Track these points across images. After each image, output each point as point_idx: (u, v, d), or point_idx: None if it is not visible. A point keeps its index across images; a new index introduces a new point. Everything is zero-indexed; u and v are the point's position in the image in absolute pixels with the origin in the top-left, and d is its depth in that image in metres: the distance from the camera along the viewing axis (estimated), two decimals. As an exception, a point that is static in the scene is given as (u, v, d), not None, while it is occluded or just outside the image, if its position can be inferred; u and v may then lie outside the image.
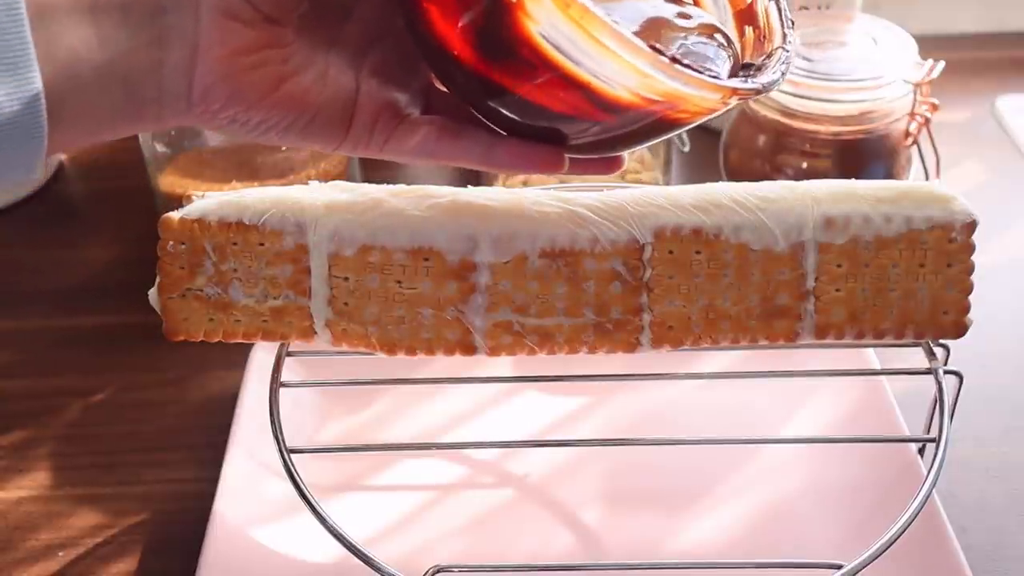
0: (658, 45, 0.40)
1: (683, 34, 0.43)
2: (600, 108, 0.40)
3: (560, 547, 0.55)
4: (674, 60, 0.38)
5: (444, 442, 0.61)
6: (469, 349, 0.51)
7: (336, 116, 0.44)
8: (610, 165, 0.45)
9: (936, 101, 0.65)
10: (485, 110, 0.43)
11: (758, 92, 0.41)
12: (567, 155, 0.44)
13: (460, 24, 0.40)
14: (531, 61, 0.39)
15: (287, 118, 0.43)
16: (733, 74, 0.43)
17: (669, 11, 0.44)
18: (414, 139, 0.45)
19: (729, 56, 0.43)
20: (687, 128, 0.43)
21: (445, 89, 0.44)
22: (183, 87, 0.41)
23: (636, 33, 0.39)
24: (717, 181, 0.52)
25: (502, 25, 0.38)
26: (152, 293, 0.51)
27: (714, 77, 0.39)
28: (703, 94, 0.39)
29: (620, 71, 0.38)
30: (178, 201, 0.51)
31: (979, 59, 0.97)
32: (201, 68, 0.40)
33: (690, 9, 0.45)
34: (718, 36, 0.44)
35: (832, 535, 0.55)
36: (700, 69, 0.39)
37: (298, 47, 0.42)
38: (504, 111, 0.42)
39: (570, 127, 0.42)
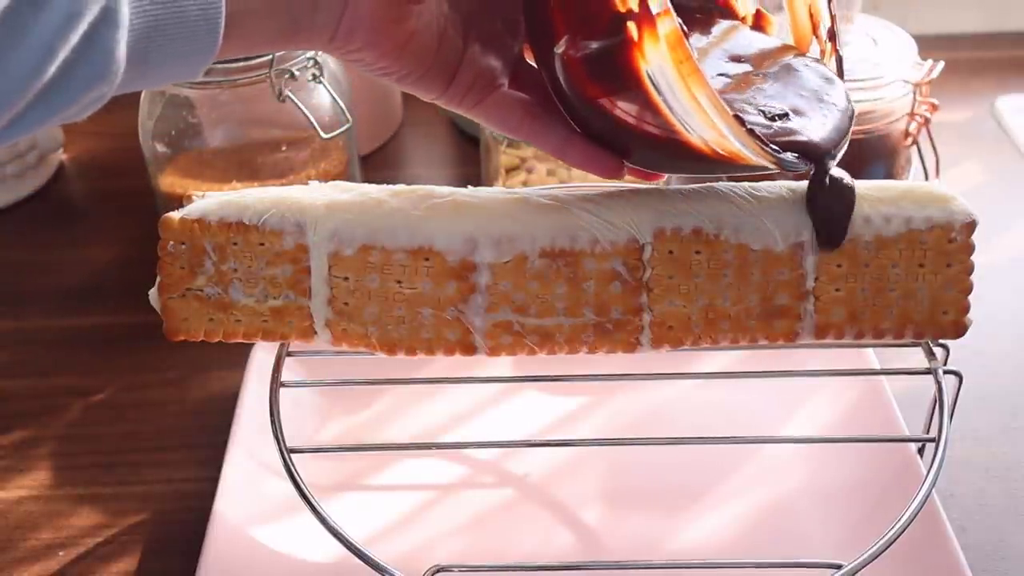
0: (745, 111, 0.44)
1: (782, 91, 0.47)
2: (673, 143, 0.43)
3: (560, 547, 0.55)
4: (750, 131, 0.41)
5: (444, 442, 0.61)
6: (469, 349, 0.51)
7: (443, 73, 0.48)
8: (612, 172, 0.48)
9: (936, 101, 0.65)
10: (570, 109, 0.46)
11: (798, 169, 0.45)
12: (629, 168, 0.48)
13: (579, 37, 0.42)
14: (630, 90, 0.42)
15: (406, 68, 0.47)
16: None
17: (785, 64, 0.48)
18: (503, 110, 0.49)
19: (825, 104, 0.47)
20: (738, 171, 0.46)
21: (541, 72, 0.47)
22: (332, 25, 0.45)
23: (731, 74, 0.45)
24: (717, 181, 0.52)
25: (616, 53, 0.41)
26: (152, 293, 0.51)
27: (775, 149, 0.43)
28: (761, 160, 0.43)
29: (702, 126, 0.41)
30: (178, 201, 0.51)
31: (979, 59, 0.97)
32: (349, 12, 0.45)
33: (809, 63, 0.49)
34: (825, 87, 0.47)
35: (831, 535, 0.55)
36: (767, 140, 0.42)
37: (428, 6, 0.46)
38: (589, 119, 0.45)
39: (641, 148, 0.46)
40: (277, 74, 0.66)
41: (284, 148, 0.71)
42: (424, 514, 0.57)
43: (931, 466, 0.49)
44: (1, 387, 0.67)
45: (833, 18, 0.50)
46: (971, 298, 0.50)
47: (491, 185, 0.73)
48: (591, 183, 0.67)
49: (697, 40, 0.49)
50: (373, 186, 0.51)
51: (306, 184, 0.52)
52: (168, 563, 0.56)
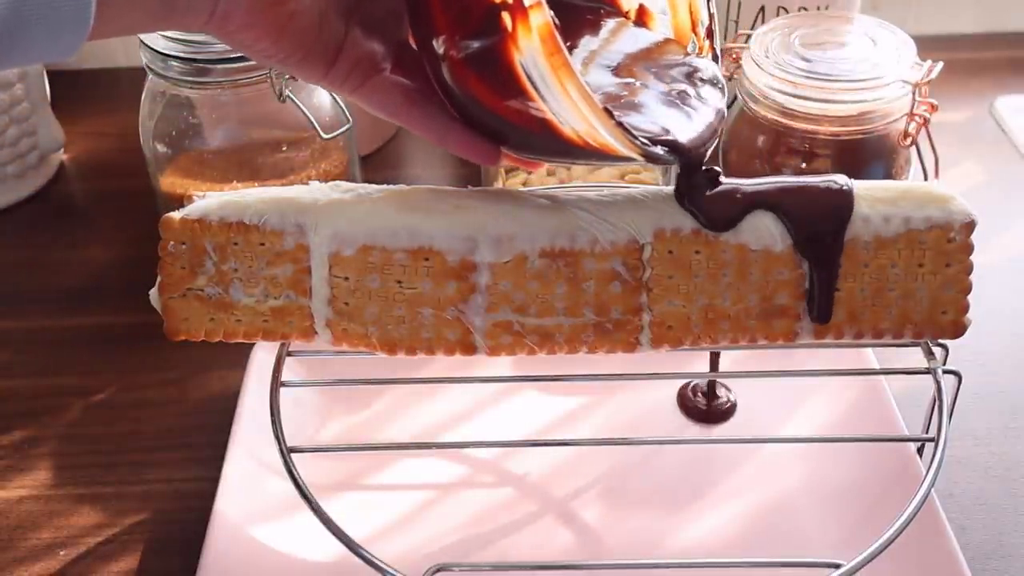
0: (625, 106, 0.46)
1: (658, 83, 0.48)
2: (548, 133, 0.44)
3: (560, 546, 0.56)
4: (620, 123, 0.42)
5: (444, 441, 0.61)
6: (469, 349, 0.51)
7: (324, 56, 0.48)
8: (490, 159, 0.49)
9: (935, 101, 0.65)
10: (449, 97, 0.46)
11: (668, 162, 0.46)
12: (505, 153, 0.48)
13: (456, 27, 0.43)
14: (505, 81, 0.42)
15: (286, 51, 0.46)
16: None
17: (663, 62, 0.50)
18: (383, 95, 0.49)
19: (697, 104, 0.48)
20: (611, 161, 0.47)
21: (422, 59, 0.47)
22: (208, 6, 0.44)
23: (616, 70, 0.46)
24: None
25: (492, 43, 0.41)
26: (153, 293, 0.51)
27: (644, 140, 0.43)
28: (630, 153, 0.44)
29: (574, 118, 0.42)
30: (179, 201, 0.52)
31: (978, 59, 0.97)
32: None
33: (688, 61, 0.50)
34: (700, 79, 0.49)
35: (831, 534, 0.55)
36: (636, 131, 0.43)
37: None
38: (467, 107, 0.46)
39: (518, 136, 0.46)
40: (278, 74, 0.66)
41: (284, 148, 0.71)
42: (424, 513, 0.57)
43: (930, 466, 0.49)
44: (1, 387, 0.67)
45: (711, 17, 0.51)
46: (970, 298, 0.50)
47: (491, 185, 0.73)
48: (591, 183, 0.67)
49: (588, 41, 0.50)
50: (373, 186, 0.51)
51: (306, 184, 0.52)
52: (168, 563, 0.56)
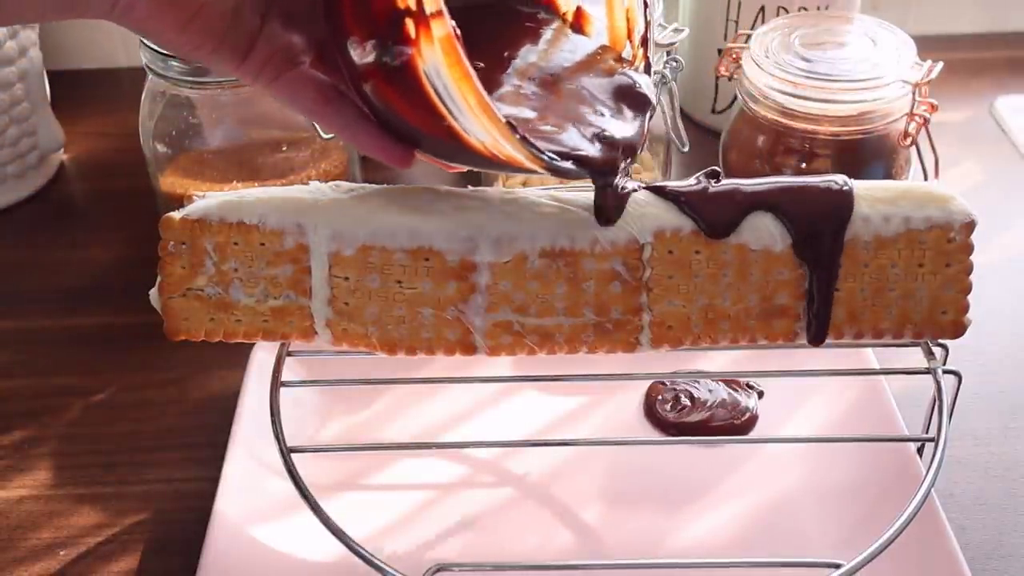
0: (539, 117, 0.46)
1: (584, 101, 0.48)
2: (457, 143, 0.43)
3: (560, 546, 0.56)
4: (523, 138, 0.42)
5: (444, 441, 0.61)
6: (469, 349, 0.51)
7: (237, 48, 0.46)
8: (401, 162, 0.48)
9: (935, 101, 0.65)
10: (362, 97, 0.45)
11: (578, 176, 0.46)
12: (417, 154, 0.48)
13: (365, 30, 0.42)
14: (410, 88, 0.42)
15: (194, 42, 0.45)
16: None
17: (593, 78, 0.49)
18: (296, 90, 0.48)
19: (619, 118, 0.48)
20: (529, 174, 0.46)
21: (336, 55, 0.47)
22: None
23: (546, 83, 0.47)
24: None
25: (397, 50, 0.41)
26: (153, 293, 0.51)
27: (552, 155, 0.43)
28: (534, 166, 0.44)
29: (478, 129, 0.42)
30: (179, 201, 0.51)
31: (978, 59, 0.97)
32: None
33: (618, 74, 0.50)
34: (631, 91, 0.49)
35: (831, 534, 0.55)
36: (540, 146, 0.43)
37: None
38: (378, 109, 0.45)
39: (428, 142, 0.46)
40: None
41: (284, 148, 0.71)
42: (424, 513, 0.57)
43: (930, 466, 0.50)
44: (1, 387, 0.67)
45: (648, 24, 0.50)
46: (970, 298, 0.50)
47: (491, 185, 0.73)
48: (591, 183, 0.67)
49: (527, 51, 0.49)
50: (373, 186, 0.51)
51: (306, 184, 0.52)
52: (168, 563, 0.56)
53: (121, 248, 0.78)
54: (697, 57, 0.85)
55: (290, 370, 0.57)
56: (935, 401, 0.52)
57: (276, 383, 0.54)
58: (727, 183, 0.50)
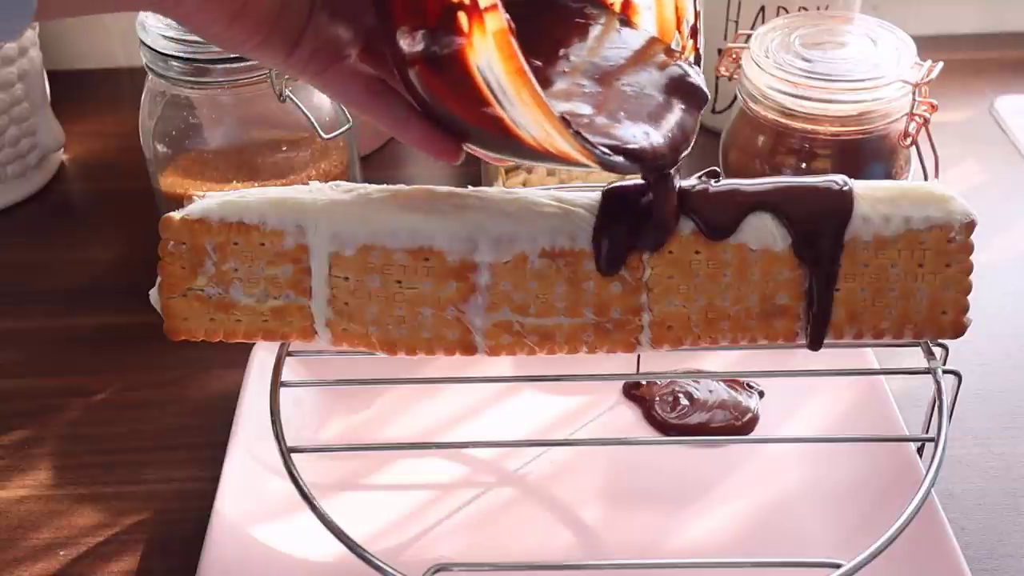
0: (593, 112, 0.45)
1: (634, 96, 0.47)
2: (507, 137, 0.43)
3: (560, 546, 0.56)
4: (576, 133, 0.41)
5: (444, 441, 0.61)
6: (469, 349, 0.51)
7: (285, 41, 0.46)
8: (450, 156, 0.48)
9: (935, 101, 0.65)
10: (411, 90, 0.45)
11: (630, 171, 0.46)
12: (465, 148, 0.47)
13: (416, 23, 0.42)
14: (462, 82, 0.41)
15: (242, 35, 0.45)
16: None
17: (644, 71, 0.49)
18: (344, 83, 0.48)
19: (664, 120, 0.47)
20: (575, 166, 0.46)
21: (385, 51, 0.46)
22: None
23: (597, 78, 0.46)
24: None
25: (449, 43, 0.41)
26: (153, 293, 0.51)
27: (604, 150, 0.43)
28: (587, 161, 0.43)
29: (530, 124, 0.41)
30: (179, 201, 0.52)
31: (978, 59, 0.97)
32: None
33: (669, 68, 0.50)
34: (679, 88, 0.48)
35: (831, 534, 0.55)
36: (594, 142, 0.42)
37: None
38: (427, 103, 0.45)
39: (478, 136, 0.46)
40: (278, 74, 0.66)
41: (284, 148, 0.71)
42: (424, 513, 0.57)
43: (930, 466, 0.49)
44: (1, 387, 0.67)
45: (697, 15, 0.50)
46: (970, 298, 0.50)
47: (491, 185, 0.73)
48: (591, 183, 0.67)
49: (577, 47, 0.49)
50: (373, 186, 0.51)
51: (306, 184, 0.52)
52: (168, 563, 0.56)
53: (121, 248, 0.78)
54: (697, 57, 0.85)
55: (290, 370, 0.57)
56: (935, 401, 0.52)
57: (276, 383, 0.54)
58: (727, 183, 0.50)
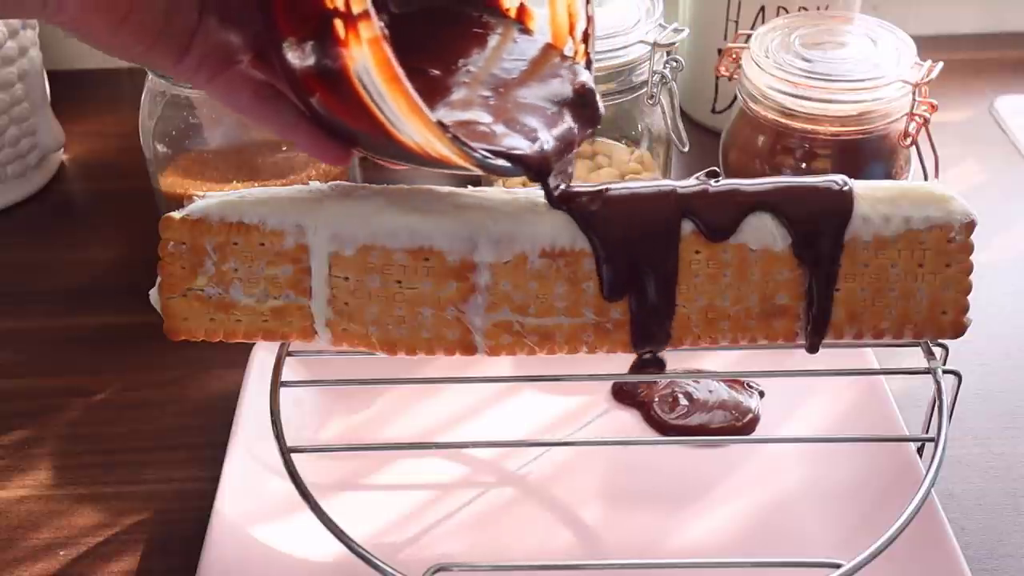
0: (472, 121, 0.46)
1: (531, 104, 0.48)
2: (392, 141, 0.43)
3: (560, 546, 0.56)
4: (454, 138, 0.42)
5: (444, 442, 0.61)
6: (469, 349, 0.51)
7: (173, 47, 0.46)
8: (338, 160, 0.48)
9: (935, 102, 0.65)
10: (296, 92, 0.45)
11: (512, 174, 0.46)
12: (355, 152, 0.48)
13: (297, 28, 0.42)
14: (343, 88, 0.42)
15: (128, 43, 0.45)
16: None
17: (545, 83, 0.49)
18: (233, 90, 0.48)
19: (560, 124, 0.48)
20: (459, 170, 0.46)
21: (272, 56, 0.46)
22: None
23: (491, 83, 0.47)
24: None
25: (328, 49, 0.41)
26: (153, 293, 0.51)
27: (485, 154, 0.44)
28: (467, 165, 0.44)
29: (410, 130, 0.42)
30: (179, 201, 0.51)
31: (978, 59, 0.97)
32: None
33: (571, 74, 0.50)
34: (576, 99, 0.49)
35: (831, 534, 0.55)
36: (473, 146, 0.43)
37: None
38: (315, 109, 0.45)
39: (365, 141, 0.46)
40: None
41: (284, 148, 0.71)
42: (424, 513, 0.57)
43: (930, 466, 0.50)
44: (1, 387, 0.67)
45: (589, 20, 0.50)
46: (970, 298, 0.50)
47: (491, 185, 0.73)
48: (591, 183, 0.67)
49: (475, 56, 0.50)
50: (373, 186, 0.51)
51: (306, 184, 0.52)
52: (168, 563, 0.56)
53: (121, 248, 0.78)
54: (697, 57, 0.85)
55: (290, 370, 0.57)
56: (935, 401, 0.52)
57: (276, 383, 0.54)
58: (727, 183, 0.50)
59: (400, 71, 0.40)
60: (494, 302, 0.49)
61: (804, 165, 0.68)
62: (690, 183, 0.50)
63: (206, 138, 0.71)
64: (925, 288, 0.50)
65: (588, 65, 0.51)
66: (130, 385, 0.67)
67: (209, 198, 0.50)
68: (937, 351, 0.54)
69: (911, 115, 0.66)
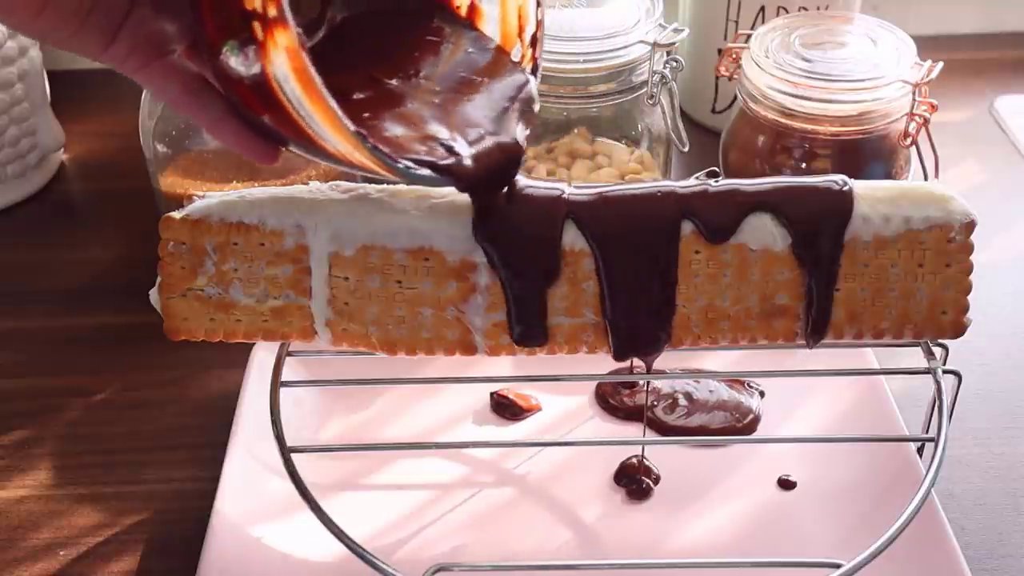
0: (377, 126, 0.45)
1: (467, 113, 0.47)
2: (315, 146, 0.43)
3: (560, 546, 0.56)
4: (374, 147, 0.41)
5: (444, 442, 0.61)
6: (469, 349, 0.51)
7: (100, 34, 0.45)
8: (265, 158, 0.47)
9: (935, 101, 0.65)
10: (227, 91, 0.45)
11: (437, 184, 0.46)
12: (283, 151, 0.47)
13: (221, 26, 0.41)
14: (263, 91, 0.41)
15: (51, 26, 0.43)
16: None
17: (482, 93, 0.48)
18: (163, 80, 0.47)
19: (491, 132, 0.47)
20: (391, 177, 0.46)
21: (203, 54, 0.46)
22: None
23: (437, 88, 0.47)
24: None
25: (247, 51, 0.41)
26: (153, 293, 0.51)
27: (408, 163, 0.43)
28: (386, 174, 0.43)
29: (331, 137, 0.41)
30: (179, 201, 0.51)
31: (978, 59, 0.97)
32: None
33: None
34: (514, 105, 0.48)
35: (831, 534, 0.55)
36: (394, 156, 0.43)
37: None
38: (240, 107, 0.45)
39: (292, 142, 0.45)
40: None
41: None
42: (424, 513, 0.57)
43: (930, 466, 0.50)
44: (1, 387, 0.67)
45: (539, 24, 0.50)
46: (970, 298, 0.50)
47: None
48: (591, 183, 0.67)
49: (423, 65, 0.49)
50: (373, 186, 0.51)
51: (306, 184, 0.52)
52: (168, 563, 0.56)
53: (121, 248, 0.78)
54: (697, 57, 0.85)
55: (290, 370, 0.57)
56: (935, 401, 0.52)
57: (276, 383, 0.54)
58: (727, 183, 0.50)
59: (318, 80, 0.39)
60: (494, 302, 0.49)
61: (804, 165, 0.68)
62: (690, 183, 0.50)
63: (206, 138, 0.71)
64: (925, 288, 0.50)
65: (535, 70, 0.50)
66: (130, 385, 0.67)
67: (209, 198, 0.50)
68: (937, 351, 0.54)
69: (911, 115, 0.66)
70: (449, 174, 0.45)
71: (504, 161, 0.46)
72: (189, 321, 0.51)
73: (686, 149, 0.69)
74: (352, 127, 0.41)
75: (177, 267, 0.50)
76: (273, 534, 0.55)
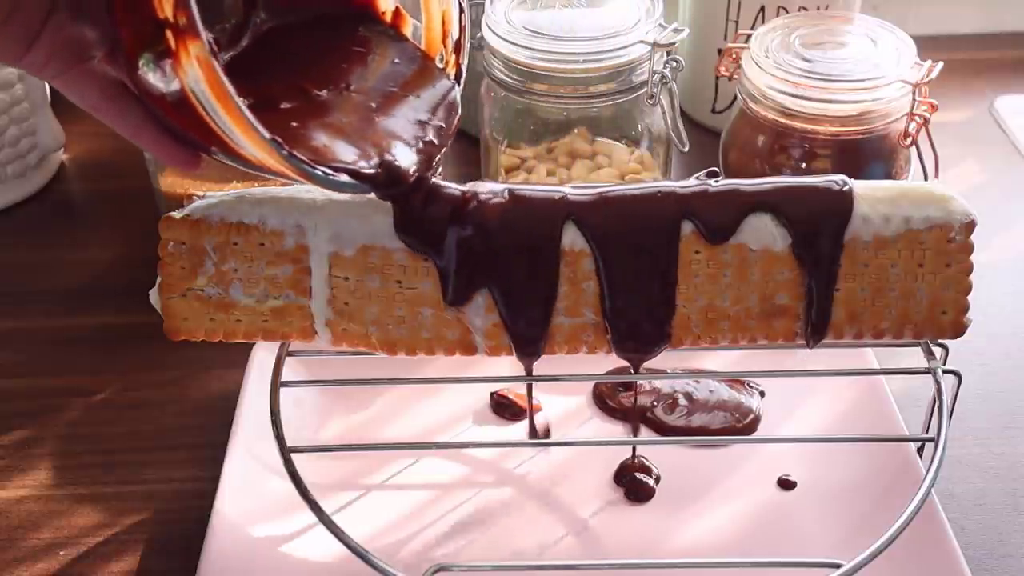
0: (351, 136, 0.46)
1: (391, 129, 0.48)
2: (234, 153, 0.43)
3: (560, 547, 0.56)
4: (290, 155, 0.42)
5: (444, 442, 0.61)
6: (469, 349, 0.51)
7: (17, 41, 0.44)
8: (186, 164, 0.47)
9: (935, 102, 0.65)
10: (143, 97, 0.45)
11: (356, 191, 0.46)
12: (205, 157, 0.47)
13: (136, 34, 0.41)
14: (179, 99, 0.41)
15: None
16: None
17: (410, 108, 0.49)
18: (82, 86, 0.46)
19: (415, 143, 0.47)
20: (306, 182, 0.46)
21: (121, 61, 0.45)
22: None
23: (362, 95, 0.47)
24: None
25: (162, 59, 0.41)
26: (153, 293, 0.51)
27: (325, 171, 0.44)
28: (302, 180, 0.44)
29: (246, 145, 0.42)
30: (179, 201, 0.51)
31: (978, 59, 0.97)
32: None
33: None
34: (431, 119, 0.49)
35: (831, 534, 0.55)
36: (312, 163, 0.43)
37: None
38: (160, 115, 0.45)
39: (214, 150, 0.46)
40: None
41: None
42: (424, 514, 0.57)
43: (930, 466, 0.50)
44: (1, 387, 0.67)
45: (463, 30, 0.50)
46: (970, 298, 0.50)
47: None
48: (591, 184, 0.67)
49: (358, 78, 0.49)
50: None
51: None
52: (168, 563, 0.56)
53: (121, 248, 0.78)
54: (697, 57, 0.85)
55: (290, 370, 0.57)
56: (935, 401, 0.52)
57: (276, 383, 0.54)
58: (727, 183, 0.50)
59: (230, 88, 0.40)
60: (494, 302, 0.49)
61: (804, 165, 0.68)
62: (690, 183, 0.50)
63: (206, 138, 0.71)
64: (925, 288, 0.50)
65: (458, 76, 0.50)
66: (130, 385, 0.67)
67: (209, 198, 0.50)
68: (937, 351, 0.54)
69: (911, 115, 0.66)
70: (367, 180, 0.45)
71: (418, 166, 0.47)
72: (189, 321, 0.51)
73: (686, 149, 0.69)
74: (267, 135, 0.41)
75: (177, 267, 0.50)
76: (273, 534, 0.55)
